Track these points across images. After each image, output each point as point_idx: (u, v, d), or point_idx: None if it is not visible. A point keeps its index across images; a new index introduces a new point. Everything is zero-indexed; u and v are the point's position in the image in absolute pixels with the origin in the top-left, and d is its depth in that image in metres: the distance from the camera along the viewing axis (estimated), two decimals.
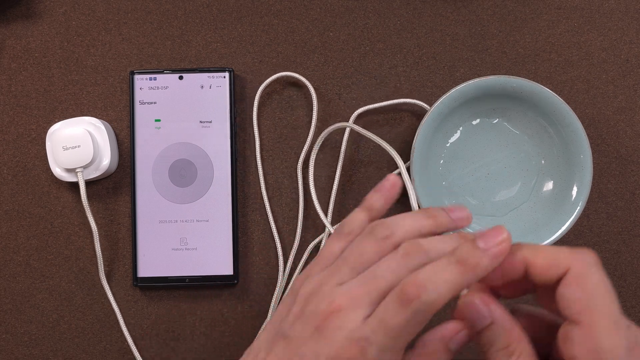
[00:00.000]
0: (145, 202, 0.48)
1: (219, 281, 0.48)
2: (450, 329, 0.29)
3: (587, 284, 0.26)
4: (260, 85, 0.49)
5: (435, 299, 0.26)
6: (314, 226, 0.49)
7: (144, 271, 0.48)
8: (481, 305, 0.28)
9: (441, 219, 0.31)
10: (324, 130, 0.49)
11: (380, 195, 0.34)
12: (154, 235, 0.48)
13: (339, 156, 0.49)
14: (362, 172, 0.49)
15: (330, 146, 0.50)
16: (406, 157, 0.49)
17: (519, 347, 0.27)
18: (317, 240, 0.49)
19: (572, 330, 0.26)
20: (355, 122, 0.49)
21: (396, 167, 0.49)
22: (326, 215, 0.49)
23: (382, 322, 0.27)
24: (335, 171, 0.49)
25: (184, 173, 0.48)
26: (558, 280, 0.26)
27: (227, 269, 0.48)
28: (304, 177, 0.49)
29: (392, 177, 0.34)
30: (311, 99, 0.48)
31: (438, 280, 0.27)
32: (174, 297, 0.49)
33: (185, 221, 0.48)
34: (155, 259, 0.48)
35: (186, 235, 0.48)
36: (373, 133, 0.49)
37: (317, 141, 0.47)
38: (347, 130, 0.49)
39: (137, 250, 0.48)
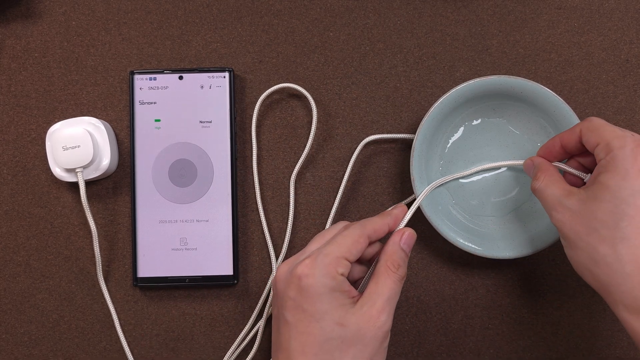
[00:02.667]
0: (145, 202, 0.48)
1: (218, 281, 0.48)
2: (399, 234, 0.40)
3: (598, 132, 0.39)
4: (260, 87, 0.49)
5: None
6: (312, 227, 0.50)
7: (143, 271, 0.48)
8: (529, 160, 0.44)
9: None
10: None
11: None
12: (154, 235, 0.48)
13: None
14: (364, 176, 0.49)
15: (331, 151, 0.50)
16: (407, 158, 0.49)
17: (543, 175, 0.41)
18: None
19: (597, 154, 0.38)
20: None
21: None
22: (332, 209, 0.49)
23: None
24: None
25: (184, 173, 0.48)
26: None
27: (227, 269, 0.48)
28: (296, 189, 0.49)
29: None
30: (311, 108, 0.48)
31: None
32: (174, 297, 0.49)
33: (185, 221, 0.48)
34: (155, 259, 0.48)
35: (186, 235, 0.48)
36: (373, 133, 0.49)
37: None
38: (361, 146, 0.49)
39: (137, 250, 0.48)
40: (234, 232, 0.48)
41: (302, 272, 0.36)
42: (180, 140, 0.49)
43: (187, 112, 0.48)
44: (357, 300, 0.37)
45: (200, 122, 0.48)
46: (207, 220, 0.48)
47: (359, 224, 0.39)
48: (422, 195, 0.44)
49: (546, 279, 0.49)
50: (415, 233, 0.40)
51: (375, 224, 0.39)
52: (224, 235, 0.48)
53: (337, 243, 0.38)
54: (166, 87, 0.48)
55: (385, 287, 0.37)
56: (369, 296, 0.37)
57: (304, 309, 0.36)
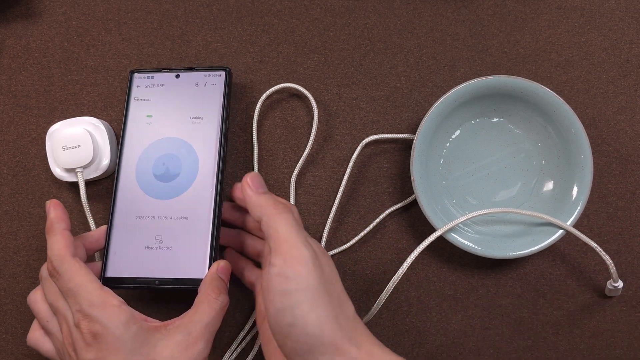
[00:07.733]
0: (124, 196, 0.45)
1: (190, 285, 0.43)
2: (215, 265, 0.42)
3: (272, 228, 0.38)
4: (260, 86, 0.49)
5: None
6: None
7: (112, 271, 0.44)
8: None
9: None
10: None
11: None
12: (129, 232, 0.44)
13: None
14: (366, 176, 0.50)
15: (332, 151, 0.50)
16: (407, 158, 0.49)
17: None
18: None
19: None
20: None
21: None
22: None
23: None
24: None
25: (168, 167, 0.46)
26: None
27: (200, 272, 0.43)
28: (296, 189, 0.49)
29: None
30: (311, 107, 0.48)
31: None
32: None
33: (164, 218, 0.44)
34: (126, 258, 0.44)
35: (162, 233, 0.44)
36: (374, 133, 0.49)
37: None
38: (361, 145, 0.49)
39: (109, 248, 0.44)
40: (213, 232, 0.44)
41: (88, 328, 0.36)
42: (168, 135, 0.46)
43: (179, 108, 0.47)
44: (165, 329, 0.37)
45: (191, 118, 0.47)
46: (186, 218, 0.44)
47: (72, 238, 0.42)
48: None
49: (546, 279, 0.49)
50: (229, 265, 0.42)
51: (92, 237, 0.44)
52: (202, 235, 0.44)
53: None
54: (162, 85, 0.48)
55: (205, 314, 0.38)
56: (184, 325, 0.37)
57: None
